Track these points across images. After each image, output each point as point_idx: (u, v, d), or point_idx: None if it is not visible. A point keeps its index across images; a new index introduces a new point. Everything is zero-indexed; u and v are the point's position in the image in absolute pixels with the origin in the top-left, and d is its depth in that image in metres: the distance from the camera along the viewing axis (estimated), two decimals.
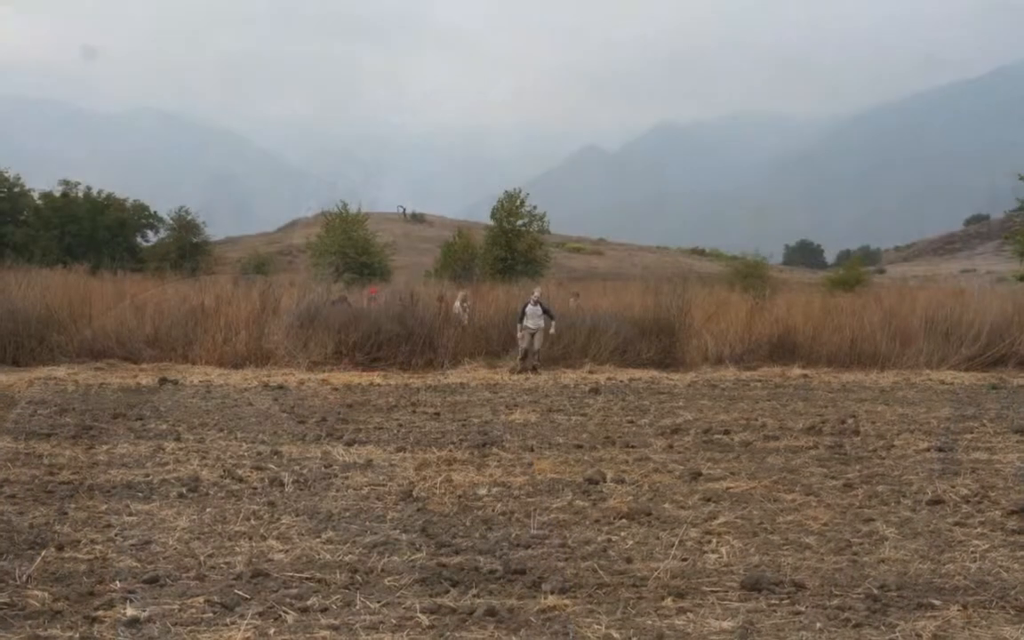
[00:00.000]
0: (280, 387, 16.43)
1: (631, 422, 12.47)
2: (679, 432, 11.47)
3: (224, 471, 8.52)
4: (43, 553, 5.91)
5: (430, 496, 7.68)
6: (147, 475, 8.36)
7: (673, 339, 21.53)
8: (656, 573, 5.59)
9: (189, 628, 4.75)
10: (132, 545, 6.17)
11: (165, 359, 19.29)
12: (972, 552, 6.22)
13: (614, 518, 6.99)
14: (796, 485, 8.17)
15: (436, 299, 22.55)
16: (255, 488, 7.89)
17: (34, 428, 10.87)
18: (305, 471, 8.62)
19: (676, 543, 6.28)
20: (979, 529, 6.83)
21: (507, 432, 11.33)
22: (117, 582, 5.38)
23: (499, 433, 11.22)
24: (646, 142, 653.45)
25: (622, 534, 6.58)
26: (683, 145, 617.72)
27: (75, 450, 9.56)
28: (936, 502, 7.59)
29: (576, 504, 7.44)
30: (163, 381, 16.53)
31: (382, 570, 5.66)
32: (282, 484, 8.00)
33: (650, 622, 4.86)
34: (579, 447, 10.25)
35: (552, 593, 5.25)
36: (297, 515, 7.04)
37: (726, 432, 11.43)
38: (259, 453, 9.60)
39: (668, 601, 5.14)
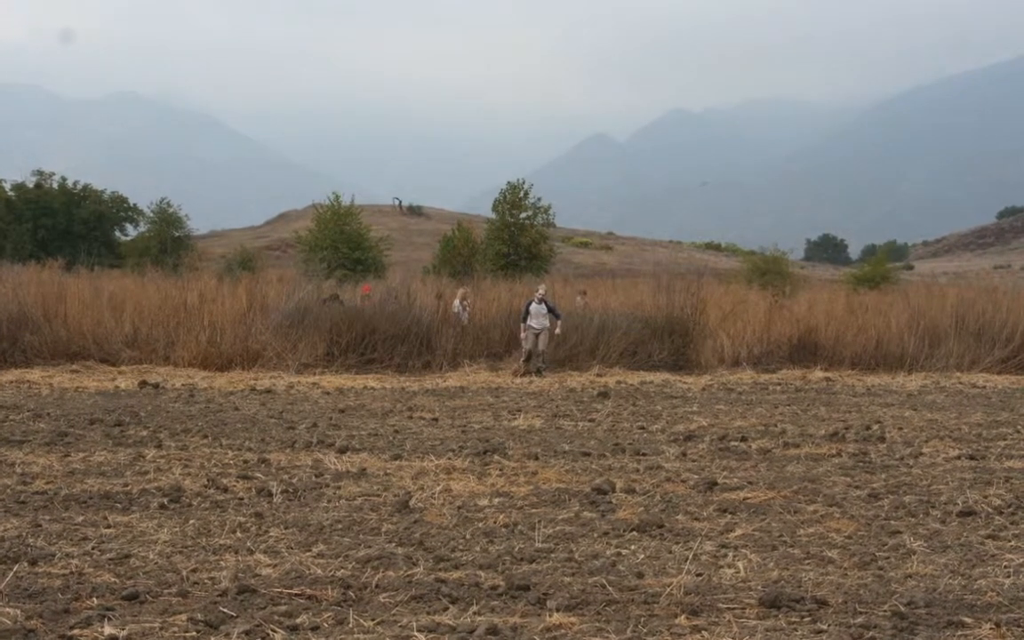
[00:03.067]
0: (268, 391, 16.46)
1: (642, 428, 12.49)
2: (693, 439, 11.47)
3: (208, 480, 8.53)
4: (15, 568, 5.91)
5: (428, 507, 7.69)
6: (126, 484, 8.37)
7: (687, 340, 21.52)
8: (669, 589, 5.59)
9: None
10: (110, 559, 6.17)
11: (145, 361, 19.32)
12: (1006, 567, 6.20)
13: (624, 530, 6.99)
14: (818, 495, 8.17)
15: (434, 297, 22.59)
16: (241, 498, 7.89)
17: (6, 435, 10.88)
18: (295, 480, 8.62)
19: (690, 557, 6.28)
20: (1013, 542, 6.82)
21: (510, 439, 11.33)
22: (94, 598, 5.38)
23: (501, 440, 11.23)
24: (657, 131, 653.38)
25: (632, 547, 6.58)
26: (697, 134, 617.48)
27: (49, 458, 9.57)
28: (967, 513, 7.58)
29: (583, 515, 7.45)
30: (143, 384, 16.55)
31: (376, 586, 5.66)
32: (270, 494, 8.01)
33: None
34: (587, 455, 10.26)
35: (558, 610, 5.25)
36: (286, 527, 7.04)
37: (743, 439, 11.42)
38: (245, 461, 9.61)
39: (681, 619, 5.14)
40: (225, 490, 8.18)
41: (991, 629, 5.06)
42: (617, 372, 20.01)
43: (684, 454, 10.39)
